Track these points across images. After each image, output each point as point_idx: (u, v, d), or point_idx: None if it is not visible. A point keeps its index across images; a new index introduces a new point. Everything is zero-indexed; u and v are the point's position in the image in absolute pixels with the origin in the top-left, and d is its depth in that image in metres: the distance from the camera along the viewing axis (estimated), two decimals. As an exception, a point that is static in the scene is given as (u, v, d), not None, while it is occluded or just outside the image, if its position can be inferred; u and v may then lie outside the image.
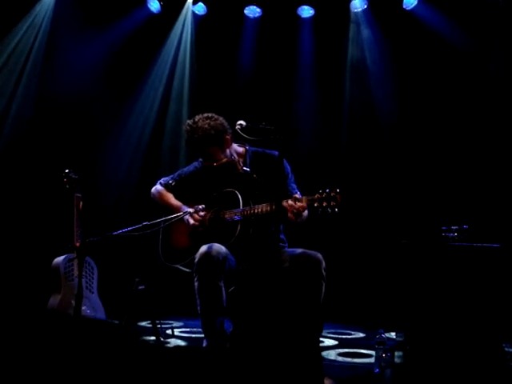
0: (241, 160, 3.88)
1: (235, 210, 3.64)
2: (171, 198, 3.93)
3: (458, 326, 3.55)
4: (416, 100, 6.27)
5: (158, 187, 4.03)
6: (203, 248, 3.43)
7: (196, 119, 3.78)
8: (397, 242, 3.82)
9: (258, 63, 6.70)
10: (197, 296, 3.46)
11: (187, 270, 3.78)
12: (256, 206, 3.56)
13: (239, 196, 3.66)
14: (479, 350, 3.49)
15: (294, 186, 3.87)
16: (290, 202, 3.38)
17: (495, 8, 5.98)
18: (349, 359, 4.30)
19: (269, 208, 3.49)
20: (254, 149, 3.98)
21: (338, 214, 3.22)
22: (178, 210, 3.78)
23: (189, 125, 3.76)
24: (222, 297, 3.45)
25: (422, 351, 3.59)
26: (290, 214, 3.38)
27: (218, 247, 3.43)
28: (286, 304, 3.43)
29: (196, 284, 3.44)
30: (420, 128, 6.22)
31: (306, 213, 3.52)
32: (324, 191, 3.27)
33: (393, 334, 5.08)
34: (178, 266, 3.79)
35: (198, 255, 3.42)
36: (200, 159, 4.00)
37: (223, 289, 3.46)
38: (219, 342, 3.45)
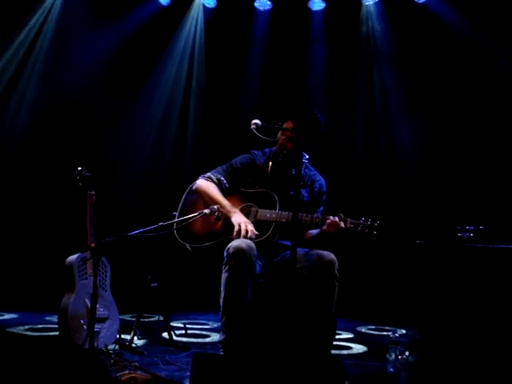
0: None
1: (269, 211, 3.64)
2: (221, 196, 3.75)
3: (472, 328, 3.54)
4: (429, 96, 6.24)
5: (207, 182, 3.80)
6: (237, 242, 3.43)
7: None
8: (412, 243, 3.81)
9: (269, 56, 6.66)
10: (222, 287, 3.45)
11: (191, 252, 3.78)
12: (290, 213, 3.56)
13: (277, 202, 3.66)
14: (493, 351, 3.48)
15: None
16: (336, 218, 3.50)
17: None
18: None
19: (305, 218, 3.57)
20: (309, 165, 3.98)
21: (372, 242, 3.47)
22: (227, 207, 3.67)
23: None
24: (247, 293, 3.46)
25: (436, 352, 3.58)
26: (330, 229, 3.50)
27: (251, 243, 3.44)
28: (299, 305, 3.43)
29: (225, 275, 3.43)
30: (435, 127, 6.20)
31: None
32: (367, 219, 3.50)
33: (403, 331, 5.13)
34: (188, 245, 3.76)
35: (231, 248, 3.41)
36: (255, 152, 3.97)
37: (249, 285, 3.46)
38: (236, 337, 3.45)
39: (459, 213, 5.50)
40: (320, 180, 3.96)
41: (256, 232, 3.54)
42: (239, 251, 3.38)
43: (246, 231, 3.50)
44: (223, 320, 3.49)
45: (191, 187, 3.90)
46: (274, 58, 6.65)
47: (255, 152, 3.98)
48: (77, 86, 6.16)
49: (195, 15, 6.75)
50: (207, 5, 6.76)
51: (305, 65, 6.66)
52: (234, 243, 3.43)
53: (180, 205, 3.89)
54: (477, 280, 3.56)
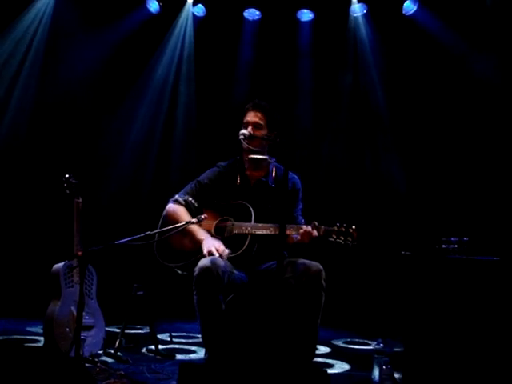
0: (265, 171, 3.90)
1: (245, 224, 3.62)
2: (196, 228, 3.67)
3: (456, 339, 3.58)
4: (414, 107, 6.28)
5: (175, 206, 3.78)
6: (202, 262, 3.40)
7: None
8: (396, 254, 3.84)
9: (257, 66, 6.69)
10: (196, 309, 3.45)
11: (180, 272, 3.76)
12: (266, 226, 3.57)
13: (252, 212, 3.64)
14: (476, 362, 3.52)
15: (302, 218, 3.81)
16: (308, 228, 3.46)
17: (494, 12, 5.97)
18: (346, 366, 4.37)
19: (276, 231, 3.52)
20: (277, 165, 3.92)
21: (350, 248, 3.38)
22: (198, 235, 3.61)
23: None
24: (222, 310, 3.45)
25: (420, 363, 3.62)
26: (304, 238, 3.47)
27: (218, 261, 3.41)
28: (284, 314, 3.43)
29: (195, 298, 3.43)
30: (420, 138, 6.24)
31: None
32: (342, 225, 3.42)
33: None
34: (173, 265, 3.75)
35: (197, 269, 3.39)
36: (222, 164, 3.96)
37: (222, 303, 3.46)
38: (218, 355, 3.45)
39: (444, 224, 5.53)
40: (293, 178, 3.91)
41: (227, 250, 3.52)
42: (204, 271, 3.35)
43: (217, 251, 3.47)
44: (203, 341, 3.53)
45: (164, 213, 3.88)
46: (262, 66, 6.67)
47: (222, 164, 3.98)
48: (64, 93, 6.14)
49: (184, 23, 6.75)
50: (196, 13, 6.78)
51: (293, 75, 6.69)
52: (200, 264, 3.40)
53: (158, 228, 3.79)
54: (461, 291, 3.60)
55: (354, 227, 3.40)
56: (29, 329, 5.07)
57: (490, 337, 3.50)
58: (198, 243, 3.59)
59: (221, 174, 3.90)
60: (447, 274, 3.63)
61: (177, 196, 3.84)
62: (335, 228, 3.43)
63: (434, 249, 3.76)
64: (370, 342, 5.32)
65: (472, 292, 3.59)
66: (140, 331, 5.29)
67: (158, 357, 4.33)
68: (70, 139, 6.18)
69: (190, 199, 3.81)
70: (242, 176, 3.88)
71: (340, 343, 5.36)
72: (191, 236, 3.63)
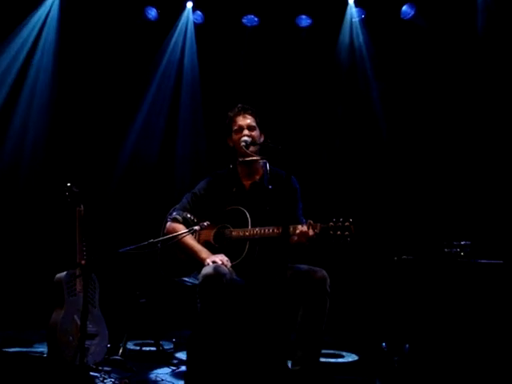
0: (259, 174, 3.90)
1: (243, 229, 3.62)
2: (195, 243, 3.71)
3: (459, 341, 3.59)
4: (412, 108, 6.29)
5: (174, 225, 3.77)
6: (206, 270, 3.41)
7: None
8: (398, 258, 3.85)
9: (256, 72, 6.69)
10: (200, 317, 3.44)
11: (190, 283, 3.78)
12: (264, 228, 3.56)
13: (248, 216, 3.64)
14: (478, 364, 3.53)
15: (303, 218, 3.78)
16: (304, 228, 3.42)
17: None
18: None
19: (277, 231, 3.51)
20: (272, 167, 3.92)
21: (349, 244, 3.28)
22: (201, 255, 3.62)
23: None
24: (225, 318, 3.45)
25: (424, 366, 3.62)
26: (301, 239, 3.43)
27: (221, 268, 3.42)
28: (287, 320, 3.43)
29: (199, 306, 3.42)
30: (420, 142, 6.23)
31: None
32: (338, 220, 3.33)
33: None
34: (182, 279, 3.78)
35: (200, 277, 3.40)
36: (217, 172, 3.98)
37: (226, 310, 3.45)
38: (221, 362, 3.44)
39: (446, 228, 5.51)
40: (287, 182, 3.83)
41: (228, 263, 3.51)
42: (207, 279, 3.36)
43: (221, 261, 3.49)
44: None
45: (164, 231, 3.88)
46: (260, 72, 6.66)
47: (217, 172, 4.00)
48: (63, 104, 6.19)
49: (183, 30, 6.74)
50: (195, 20, 6.76)
51: (291, 79, 6.69)
52: (203, 272, 3.42)
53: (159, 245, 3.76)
54: (463, 294, 3.61)
55: (350, 220, 3.32)
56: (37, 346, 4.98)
57: (491, 339, 3.51)
58: (201, 261, 3.59)
59: (216, 182, 3.92)
60: (450, 278, 3.63)
61: (174, 213, 3.84)
62: (331, 224, 3.35)
63: (438, 253, 3.77)
64: (344, 354, 5.16)
65: (475, 295, 3.60)
66: (144, 340, 5.28)
67: (161, 364, 4.33)
68: (70, 148, 6.19)
69: (189, 215, 3.80)
70: (237, 182, 3.89)
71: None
72: (194, 255, 3.64)
